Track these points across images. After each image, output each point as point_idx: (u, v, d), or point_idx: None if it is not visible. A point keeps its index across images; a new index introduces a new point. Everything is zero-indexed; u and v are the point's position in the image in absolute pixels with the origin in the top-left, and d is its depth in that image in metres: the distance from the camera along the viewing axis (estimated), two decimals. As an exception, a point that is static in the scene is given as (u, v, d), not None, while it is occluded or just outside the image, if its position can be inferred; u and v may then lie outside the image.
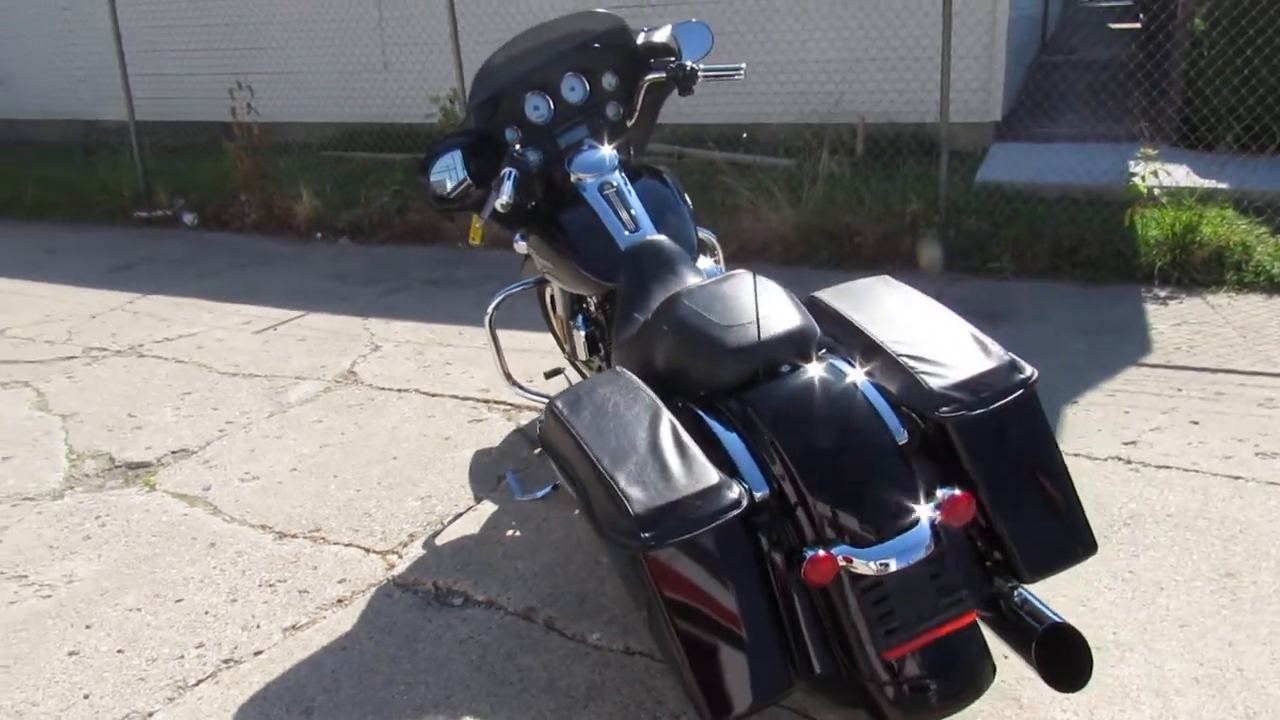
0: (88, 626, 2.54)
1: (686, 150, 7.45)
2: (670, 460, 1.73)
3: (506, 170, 2.61)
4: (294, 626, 2.51)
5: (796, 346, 1.93)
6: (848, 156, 6.41)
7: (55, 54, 10.36)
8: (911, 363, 1.88)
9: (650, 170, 2.91)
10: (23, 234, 7.34)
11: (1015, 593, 1.88)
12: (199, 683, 2.32)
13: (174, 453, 3.52)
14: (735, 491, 1.68)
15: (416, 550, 2.82)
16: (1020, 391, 1.82)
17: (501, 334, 3.08)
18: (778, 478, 1.78)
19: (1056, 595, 2.40)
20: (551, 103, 2.80)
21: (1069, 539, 1.83)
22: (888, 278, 2.21)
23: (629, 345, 2.26)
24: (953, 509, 1.71)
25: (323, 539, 2.90)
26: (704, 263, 2.97)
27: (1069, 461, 1.92)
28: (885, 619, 1.67)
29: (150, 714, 2.23)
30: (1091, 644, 1.78)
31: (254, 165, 7.19)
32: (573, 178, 2.75)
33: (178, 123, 8.86)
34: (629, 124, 2.94)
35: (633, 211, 2.67)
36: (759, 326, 1.92)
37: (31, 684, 2.34)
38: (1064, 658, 1.78)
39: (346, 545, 2.87)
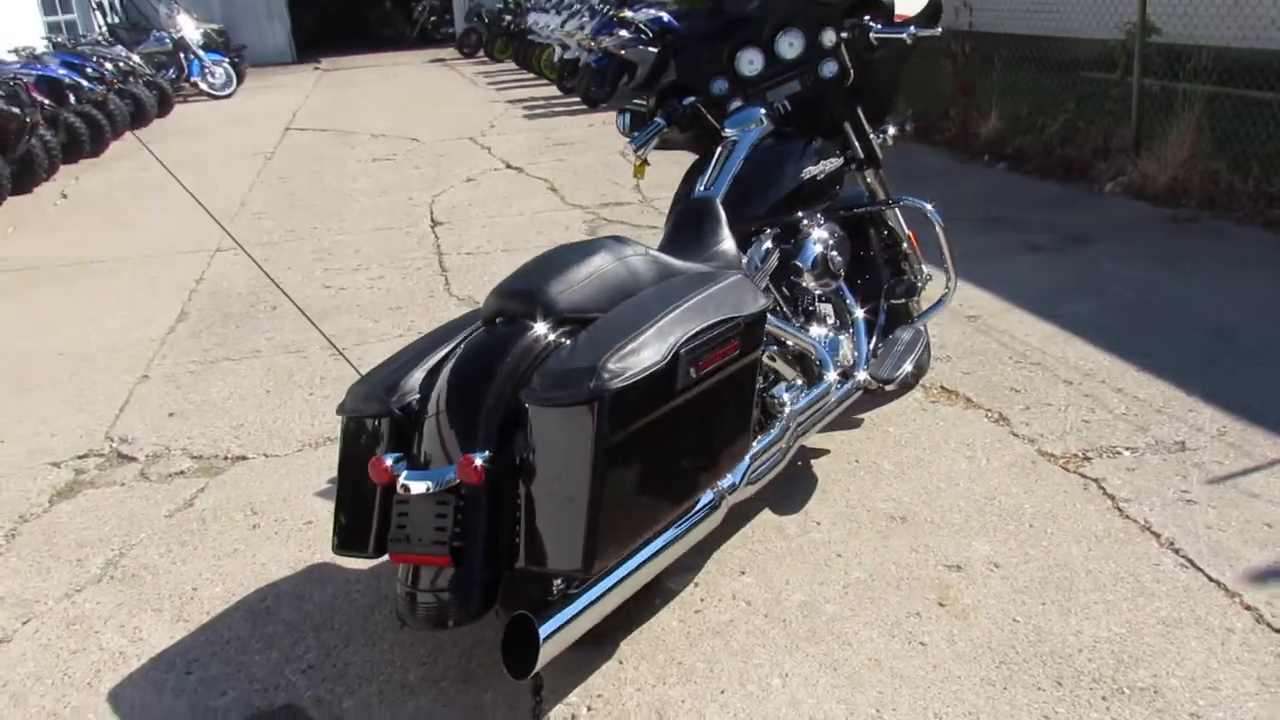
0: (375, 322, 4.42)
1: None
2: (398, 365, 2.20)
3: (656, 120, 2.92)
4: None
5: (517, 306, 2.08)
6: None
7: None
8: (572, 344, 1.97)
9: (824, 137, 2.95)
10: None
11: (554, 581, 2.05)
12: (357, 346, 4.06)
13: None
14: (383, 400, 2.08)
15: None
16: (573, 404, 1.83)
17: None
18: None
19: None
20: (764, 57, 2.94)
21: (559, 551, 1.89)
22: (740, 277, 2.25)
23: None
24: (462, 467, 1.87)
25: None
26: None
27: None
28: (400, 530, 1.96)
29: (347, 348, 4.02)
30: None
31: (962, 82, 7.39)
32: (725, 131, 2.91)
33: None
34: (847, 83, 2.94)
35: (721, 171, 2.77)
36: (508, 282, 2.15)
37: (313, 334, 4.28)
38: (527, 649, 1.89)
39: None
